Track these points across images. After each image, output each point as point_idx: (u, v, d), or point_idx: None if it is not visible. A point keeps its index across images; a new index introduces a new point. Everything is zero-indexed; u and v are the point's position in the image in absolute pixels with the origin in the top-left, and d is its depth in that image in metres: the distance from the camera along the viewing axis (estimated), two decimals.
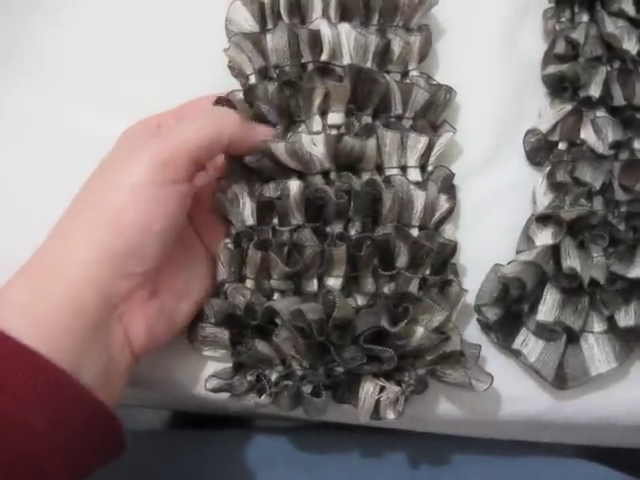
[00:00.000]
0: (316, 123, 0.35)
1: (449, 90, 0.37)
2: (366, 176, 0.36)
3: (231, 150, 0.34)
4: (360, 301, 0.35)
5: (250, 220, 0.35)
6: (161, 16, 0.42)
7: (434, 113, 0.37)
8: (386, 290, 0.34)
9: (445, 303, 0.34)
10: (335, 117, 0.35)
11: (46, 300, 0.29)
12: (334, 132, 0.35)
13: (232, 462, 0.42)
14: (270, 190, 0.35)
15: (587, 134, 0.37)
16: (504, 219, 0.38)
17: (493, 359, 0.37)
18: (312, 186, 0.35)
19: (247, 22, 0.38)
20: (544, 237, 0.36)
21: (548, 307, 0.35)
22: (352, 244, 0.34)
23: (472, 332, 0.37)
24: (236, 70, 0.38)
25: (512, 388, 0.37)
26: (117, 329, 0.31)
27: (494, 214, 0.38)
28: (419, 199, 0.35)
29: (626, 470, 0.43)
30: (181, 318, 0.34)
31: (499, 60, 0.40)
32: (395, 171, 0.36)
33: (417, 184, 0.36)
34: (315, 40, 0.36)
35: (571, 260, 0.35)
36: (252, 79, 0.37)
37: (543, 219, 0.36)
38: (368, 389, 0.34)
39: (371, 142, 0.35)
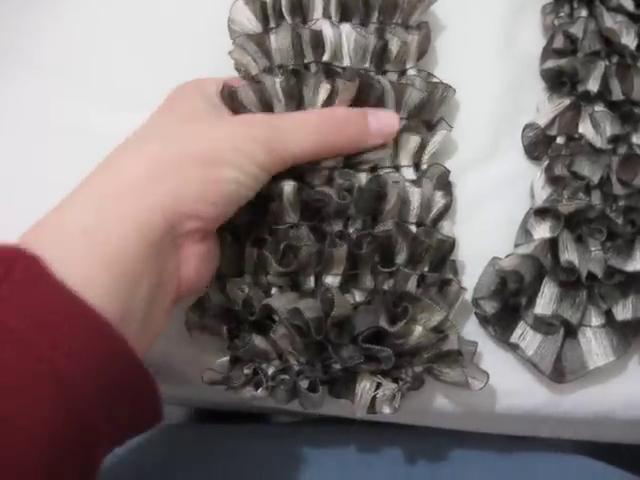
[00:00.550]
0: None
1: (446, 88, 0.37)
2: (362, 175, 0.36)
3: None
4: (358, 297, 0.35)
5: (246, 215, 0.35)
6: (161, 9, 0.42)
7: (429, 111, 0.37)
8: (385, 287, 0.34)
9: (444, 302, 0.34)
10: None
11: (113, 221, 0.29)
12: None
13: (225, 456, 0.43)
14: (263, 190, 0.35)
15: (585, 128, 0.37)
16: (502, 213, 0.38)
17: (490, 353, 0.37)
18: (307, 188, 0.34)
19: (250, 22, 0.38)
20: (542, 231, 0.36)
21: (546, 300, 0.35)
22: (353, 242, 0.34)
23: (469, 328, 0.37)
24: (242, 72, 0.38)
25: (510, 382, 0.37)
26: (172, 260, 0.31)
27: (492, 208, 0.38)
28: (415, 196, 0.35)
29: (628, 468, 0.43)
30: (213, 269, 0.34)
31: (498, 55, 0.40)
32: (388, 170, 0.36)
33: (412, 182, 0.36)
34: (317, 41, 0.36)
35: (569, 254, 0.35)
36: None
37: (541, 213, 0.36)
38: (365, 385, 0.34)
39: None
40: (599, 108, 0.38)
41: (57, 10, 0.43)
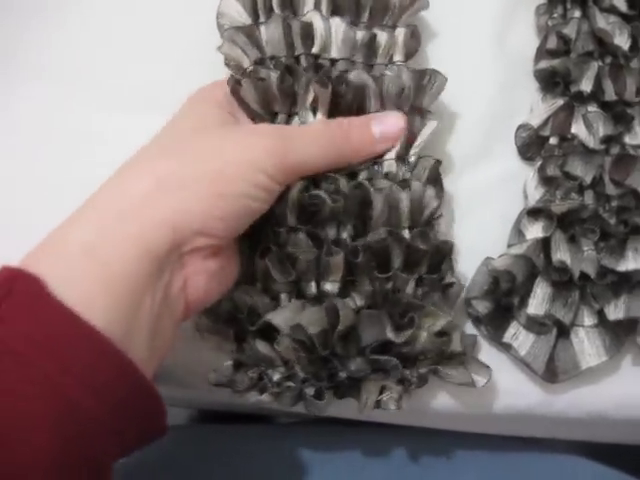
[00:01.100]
0: (310, 118, 0.35)
1: (434, 73, 0.36)
2: (344, 180, 0.35)
3: None
4: (359, 301, 0.34)
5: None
6: (164, 16, 0.42)
7: (418, 98, 0.36)
8: (384, 289, 0.34)
9: (446, 305, 0.34)
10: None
11: (115, 239, 0.28)
12: None
13: (222, 456, 0.43)
14: None
15: (578, 129, 0.37)
16: (496, 213, 0.38)
17: (484, 353, 0.37)
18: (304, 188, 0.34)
19: (239, 15, 0.38)
20: (535, 231, 0.36)
21: (538, 300, 0.35)
22: (349, 250, 0.33)
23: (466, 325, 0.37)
24: (232, 66, 0.38)
25: (503, 382, 0.37)
26: (177, 276, 0.30)
27: (486, 208, 0.38)
28: (403, 202, 0.34)
29: (629, 470, 0.43)
30: (227, 285, 0.34)
31: (492, 56, 0.41)
32: (371, 170, 0.35)
33: (400, 183, 0.35)
34: (307, 32, 0.36)
35: (561, 253, 0.35)
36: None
37: (534, 213, 0.36)
38: (370, 389, 0.34)
39: None
40: (592, 108, 0.38)
41: (60, 17, 0.42)
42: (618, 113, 0.37)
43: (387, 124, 0.35)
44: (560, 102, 0.38)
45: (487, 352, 0.37)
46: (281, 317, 0.33)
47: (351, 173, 0.35)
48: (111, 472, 0.28)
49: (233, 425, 0.47)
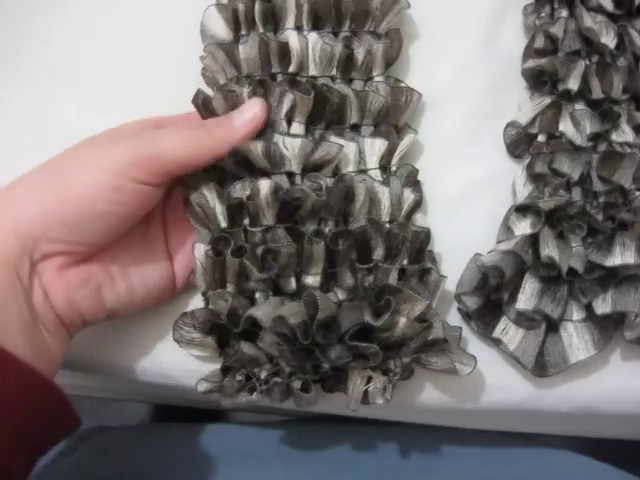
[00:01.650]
0: (283, 128, 0.36)
1: (410, 91, 0.37)
2: (328, 179, 0.36)
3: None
4: (341, 295, 0.35)
5: (223, 223, 0.35)
6: (153, 17, 0.43)
7: (395, 116, 0.37)
8: (366, 284, 0.35)
9: (425, 292, 0.34)
10: (297, 128, 0.36)
11: None
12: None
13: (219, 456, 0.43)
14: (237, 190, 0.35)
15: (566, 126, 0.38)
16: (485, 211, 0.39)
17: (474, 348, 0.37)
18: (279, 186, 0.35)
19: (221, 29, 0.38)
20: (523, 227, 0.36)
21: (527, 296, 0.35)
22: (329, 239, 0.34)
23: (453, 320, 0.37)
24: (208, 78, 0.39)
25: (493, 377, 0.37)
26: (36, 284, 0.31)
27: (475, 205, 0.39)
28: (384, 195, 0.35)
29: (628, 468, 0.43)
30: (112, 302, 0.34)
31: (480, 55, 0.41)
32: (354, 173, 0.36)
33: (380, 182, 0.36)
34: (284, 52, 0.37)
35: (550, 249, 0.35)
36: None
37: (522, 209, 0.37)
38: (356, 380, 0.35)
39: (333, 149, 0.35)
40: (579, 106, 0.38)
41: (49, 19, 0.43)
42: (605, 111, 0.38)
43: (243, 110, 0.35)
44: (548, 100, 0.39)
45: (477, 347, 0.37)
46: (262, 311, 0.33)
47: (334, 175, 0.36)
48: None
49: (230, 424, 0.47)
